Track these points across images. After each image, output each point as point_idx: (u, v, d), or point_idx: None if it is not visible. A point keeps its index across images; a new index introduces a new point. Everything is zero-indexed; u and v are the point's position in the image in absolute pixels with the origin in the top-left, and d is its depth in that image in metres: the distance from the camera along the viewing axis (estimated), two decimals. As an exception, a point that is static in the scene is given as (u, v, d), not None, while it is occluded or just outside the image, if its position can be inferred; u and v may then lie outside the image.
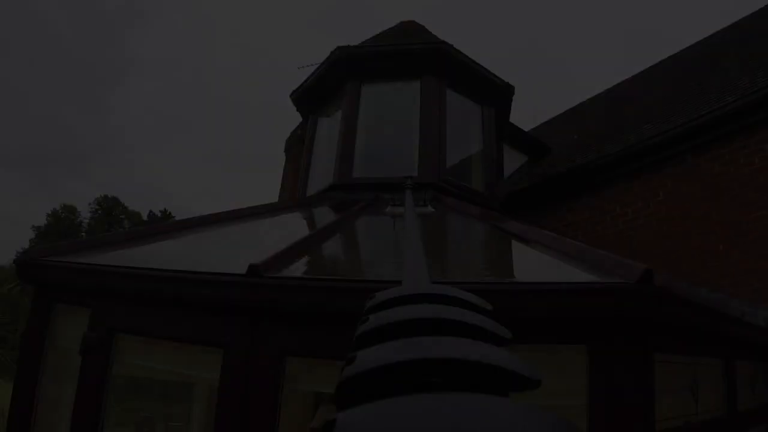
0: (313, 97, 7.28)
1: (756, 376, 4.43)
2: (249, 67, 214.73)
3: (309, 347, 2.60)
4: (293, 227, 4.62)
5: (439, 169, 5.91)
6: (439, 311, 0.41)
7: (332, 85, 6.89)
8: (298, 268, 2.90)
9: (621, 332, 2.32)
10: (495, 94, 7.01)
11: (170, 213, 74.82)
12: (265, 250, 3.15)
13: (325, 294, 2.52)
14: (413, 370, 0.33)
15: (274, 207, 5.48)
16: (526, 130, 11.92)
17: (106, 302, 3.14)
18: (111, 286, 3.07)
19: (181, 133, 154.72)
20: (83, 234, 69.41)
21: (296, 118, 8.30)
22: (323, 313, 2.50)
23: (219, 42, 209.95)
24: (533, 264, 3.20)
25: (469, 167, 6.80)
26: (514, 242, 3.77)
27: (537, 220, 7.82)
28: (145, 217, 75.84)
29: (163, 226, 4.50)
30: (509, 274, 3.13)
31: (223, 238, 4.12)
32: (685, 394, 3.05)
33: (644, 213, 6.50)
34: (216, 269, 2.84)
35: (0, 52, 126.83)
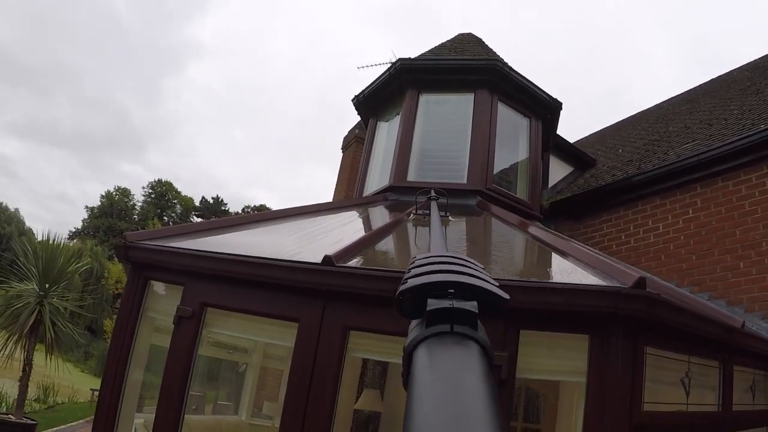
0: (373, 102, 7.89)
1: (758, 382, 4.88)
2: (307, 58, 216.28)
3: (367, 324, 3.28)
4: (355, 224, 5.28)
5: (487, 177, 6.47)
6: (461, 263, 0.65)
7: (392, 93, 7.48)
8: (361, 260, 3.56)
9: (617, 328, 2.90)
10: (543, 109, 7.51)
11: (222, 200, 75.99)
12: (333, 244, 3.82)
13: (381, 282, 3.16)
14: (438, 286, 0.58)
15: (337, 205, 6.17)
16: (582, 136, 12.40)
17: (199, 281, 3.83)
18: (206, 268, 3.77)
19: (235, 121, 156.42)
20: (135, 217, 71.09)
21: (351, 111, 8.82)
22: (379, 297, 3.13)
23: (278, 33, 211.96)
24: (554, 268, 3.81)
25: (515, 176, 7.29)
26: (542, 249, 4.36)
27: (576, 228, 8.33)
28: (197, 203, 77.17)
29: (241, 218, 5.18)
30: (532, 275, 3.74)
31: (294, 231, 4.79)
32: (678, 387, 3.59)
33: (674, 228, 6.95)
34: (292, 258, 3.52)
35: (62, 33, 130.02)
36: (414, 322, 0.57)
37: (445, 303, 0.54)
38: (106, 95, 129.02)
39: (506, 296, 0.59)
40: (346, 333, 3.26)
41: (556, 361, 3.20)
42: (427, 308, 0.54)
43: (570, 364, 3.12)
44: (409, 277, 0.61)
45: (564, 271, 3.53)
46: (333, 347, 3.22)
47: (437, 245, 1.25)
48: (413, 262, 0.70)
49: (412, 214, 5.15)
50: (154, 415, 4.31)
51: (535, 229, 4.92)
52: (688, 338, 3.54)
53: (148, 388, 4.47)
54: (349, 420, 6.08)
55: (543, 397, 6.51)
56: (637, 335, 2.97)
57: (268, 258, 3.49)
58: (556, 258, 3.97)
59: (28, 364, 10.42)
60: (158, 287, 4.33)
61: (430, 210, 3.43)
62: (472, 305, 0.55)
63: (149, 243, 4.18)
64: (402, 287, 0.59)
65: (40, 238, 12.99)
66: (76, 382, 19.56)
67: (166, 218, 72.88)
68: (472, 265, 0.65)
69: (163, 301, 4.32)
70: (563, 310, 2.91)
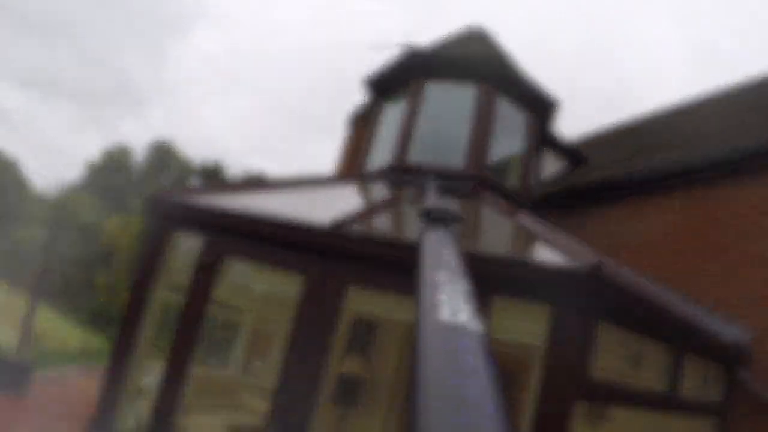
0: (382, 84, 8.34)
1: (711, 375, 5.38)
2: (312, 29, 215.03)
3: (363, 280, 3.81)
4: (357, 197, 5.81)
5: (482, 165, 6.94)
6: (444, 203, 1.47)
7: (399, 78, 7.93)
8: (361, 227, 4.07)
9: (573, 302, 3.41)
10: (541, 105, 7.97)
11: (222, 165, 75.79)
12: (338, 211, 4.32)
13: (375, 246, 3.72)
14: (435, 208, 1.41)
15: (343, 178, 6.70)
16: (588, 129, 12.89)
17: (220, 235, 4.35)
18: (228, 224, 4.32)
19: (239, 88, 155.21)
20: (134, 176, 70.98)
21: (357, 85, 9.10)
22: (374, 257, 3.68)
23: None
24: (528, 248, 4.35)
25: (509, 167, 7.78)
26: (523, 232, 4.87)
27: (562, 221, 8.79)
28: (197, 166, 76.94)
29: (254, 183, 5.74)
30: (508, 252, 4.27)
31: (303, 198, 5.31)
32: (629, 363, 4.10)
33: (653, 229, 7.42)
34: (302, 221, 4.04)
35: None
36: (424, 223, 1.32)
37: (437, 215, 1.30)
38: (108, 53, 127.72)
39: (462, 216, 1.38)
40: (345, 287, 3.80)
41: (521, 324, 3.75)
42: (430, 216, 1.32)
43: (533, 327, 3.65)
44: (425, 206, 1.38)
45: (537, 251, 4.06)
46: (334, 299, 3.76)
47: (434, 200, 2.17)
48: (425, 204, 1.45)
49: (408, 194, 5.64)
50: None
51: (520, 216, 5.41)
52: (638, 321, 4.03)
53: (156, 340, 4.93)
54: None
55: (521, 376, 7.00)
56: (591, 311, 3.48)
57: (282, 220, 4.02)
58: (533, 241, 4.49)
59: (33, 307, 10.82)
60: (180, 239, 4.81)
61: (425, 191, 3.97)
62: (447, 216, 1.33)
63: (177, 199, 4.68)
64: (423, 208, 1.38)
65: (38, 190, 13.38)
66: (68, 335, 19.96)
67: (165, 180, 72.86)
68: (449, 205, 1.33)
69: (185, 251, 4.82)
70: (528, 281, 3.43)
